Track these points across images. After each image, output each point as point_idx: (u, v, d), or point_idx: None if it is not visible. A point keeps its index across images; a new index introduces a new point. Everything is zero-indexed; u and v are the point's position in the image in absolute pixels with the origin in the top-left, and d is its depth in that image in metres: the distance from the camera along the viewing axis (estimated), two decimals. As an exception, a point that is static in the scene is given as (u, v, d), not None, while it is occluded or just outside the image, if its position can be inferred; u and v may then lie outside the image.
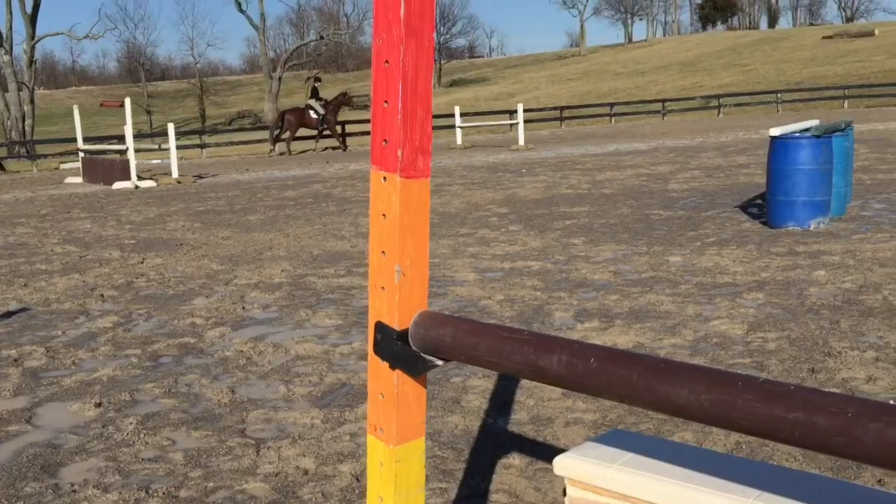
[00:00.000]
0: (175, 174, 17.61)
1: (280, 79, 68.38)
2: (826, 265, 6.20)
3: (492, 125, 31.90)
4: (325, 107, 24.67)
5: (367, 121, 31.51)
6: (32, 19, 41.78)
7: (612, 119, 35.63)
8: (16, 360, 4.86)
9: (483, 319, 5.29)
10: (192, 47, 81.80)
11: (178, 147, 18.89)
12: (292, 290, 6.46)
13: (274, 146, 25.05)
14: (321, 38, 71.24)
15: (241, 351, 4.87)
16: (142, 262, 7.96)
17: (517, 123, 23.96)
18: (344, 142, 25.44)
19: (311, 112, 24.44)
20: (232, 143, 30.18)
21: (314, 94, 25.36)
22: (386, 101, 1.58)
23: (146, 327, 5.54)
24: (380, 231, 1.64)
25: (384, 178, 1.61)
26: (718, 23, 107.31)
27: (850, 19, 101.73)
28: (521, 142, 22.77)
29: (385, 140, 1.60)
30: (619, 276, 6.35)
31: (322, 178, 16.34)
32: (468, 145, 24.92)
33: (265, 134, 32.94)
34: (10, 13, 40.80)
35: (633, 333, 4.78)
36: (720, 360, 4.21)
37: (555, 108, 37.09)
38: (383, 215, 1.63)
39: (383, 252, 1.64)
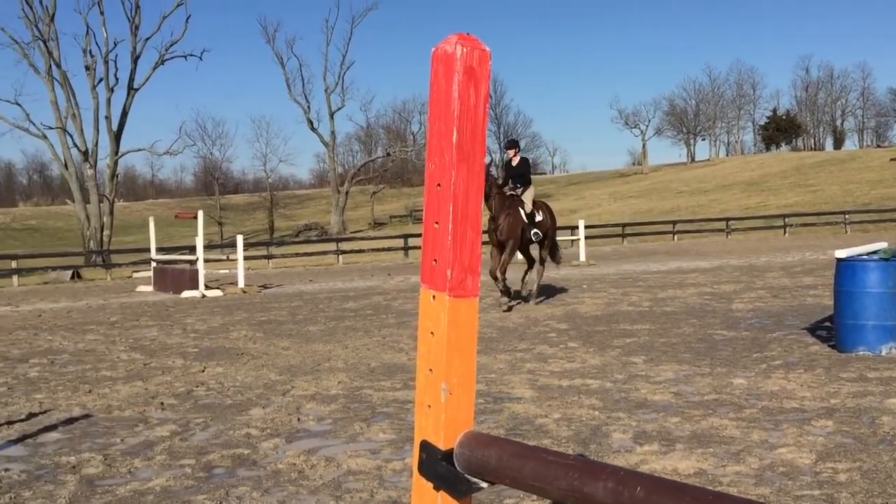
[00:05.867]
0: (241, 284, 18.05)
1: (347, 193, 70.46)
2: (900, 392, 5.93)
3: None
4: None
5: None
6: (117, 136, 44.35)
7: (675, 236, 35.48)
8: (73, 468, 4.92)
9: (539, 438, 5.18)
10: (265, 163, 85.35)
11: (245, 258, 19.46)
12: (348, 403, 6.45)
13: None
14: (388, 154, 73.72)
15: (294, 464, 4.85)
16: (203, 371, 8.08)
17: (579, 239, 24.04)
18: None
19: (521, 209, 12.24)
20: (298, 255, 30.98)
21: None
22: (437, 223, 1.63)
23: (202, 437, 5.57)
24: (427, 349, 1.65)
25: (433, 296, 1.63)
26: (782, 144, 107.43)
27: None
28: (583, 257, 22.79)
29: (435, 260, 1.63)
30: (680, 397, 6.18)
31: (383, 290, 16.53)
32: (529, 261, 25.03)
33: (330, 246, 33.76)
34: (98, 131, 43.43)
35: (694, 459, 4.61)
36: (787, 491, 4.01)
37: (617, 225, 37.22)
38: (431, 333, 1.64)
39: (430, 370, 1.64)
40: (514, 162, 12.59)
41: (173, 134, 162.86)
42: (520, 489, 1.56)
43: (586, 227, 25.23)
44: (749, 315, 10.58)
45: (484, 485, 1.58)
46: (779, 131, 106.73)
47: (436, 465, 1.59)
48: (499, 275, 11.86)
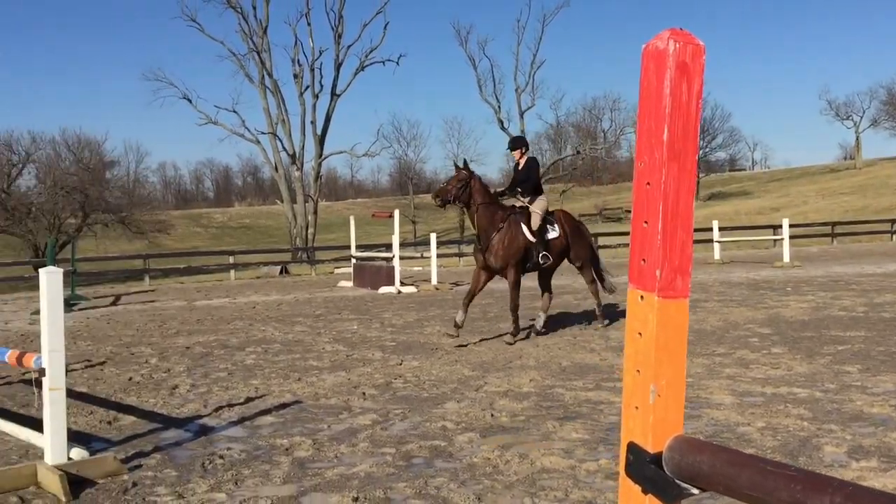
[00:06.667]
0: (434, 281, 18.58)
1: (536, 192, 70.42)
2: None
3: (753, 240, 30.43)
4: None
5: (621, 233, 31.39)
6: (321, 140, 47.05)
7: (893, 237, 32.56)
8: (287, 450, 5.29)
9: (741, 447, 4.94)
10: (456, 163, 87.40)
11: (437, 256, 19.99)
12: (540, 401, 6.47)
13: None
14: (577, 152, 73.04)
15: (488, 458, 4.93)
16: (400, 364, 8.41)
17: (782, 239, 22.65)
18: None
19: (523, 223, 9.95)
20: (488, 253, 31.35)
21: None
22: (646, 222, 1.60)
23: (401, 427, 5.80)
24: (635, 350, 1.63)
25: (641, 296, 1.61)
26: None
27: None
28: (787, 258, 21.45)
29: (643, 259, 1.61)
30: (902, 411, 5.67)
31: (573, 290, 16.41)
32: (727, 260, 23.91)
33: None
34: (304, 135, 46.29)
35: (920, 479, 4.21)
36: None
37: (825, 224, 34.71)
38: (639, 334, 1.62)
39: (638, 371, 1.62)
40: (521, 164, 10.33)
41: (371, 136, 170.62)
42: (733, 497, 1.50)
43: (791, 226, 23.69)
44: (985, 323, 9.52)
45: (696, 491, 1.53)
46: None
47: (644, 467, 1.57)
48: (512, 313, 9.76)
